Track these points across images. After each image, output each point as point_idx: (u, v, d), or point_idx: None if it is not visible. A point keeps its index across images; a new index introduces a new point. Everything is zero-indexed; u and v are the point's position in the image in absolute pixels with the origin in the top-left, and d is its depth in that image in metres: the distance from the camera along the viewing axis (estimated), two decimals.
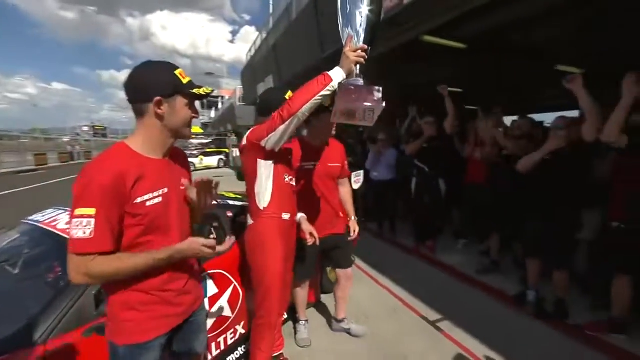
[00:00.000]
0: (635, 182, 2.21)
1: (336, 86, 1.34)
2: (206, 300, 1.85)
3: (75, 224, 0.96)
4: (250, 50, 16.33)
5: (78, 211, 0.96)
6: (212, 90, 1.24)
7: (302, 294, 2.41)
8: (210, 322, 1.87)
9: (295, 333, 2.49)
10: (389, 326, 2.64)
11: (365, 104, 1.32)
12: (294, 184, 1.84)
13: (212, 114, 35.28)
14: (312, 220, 2.05)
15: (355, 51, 1.32)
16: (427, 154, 4.04)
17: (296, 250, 1.96)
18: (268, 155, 1.65)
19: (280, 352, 2.14)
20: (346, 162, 2.30)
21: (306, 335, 2.45)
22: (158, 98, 1.09)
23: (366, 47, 1.33)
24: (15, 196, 9.26)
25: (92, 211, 0.96)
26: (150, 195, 1.09)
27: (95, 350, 1.33)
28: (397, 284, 3.29)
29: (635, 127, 2.17)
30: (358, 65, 1.35)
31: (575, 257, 2.78)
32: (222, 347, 1.99)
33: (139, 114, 1.12)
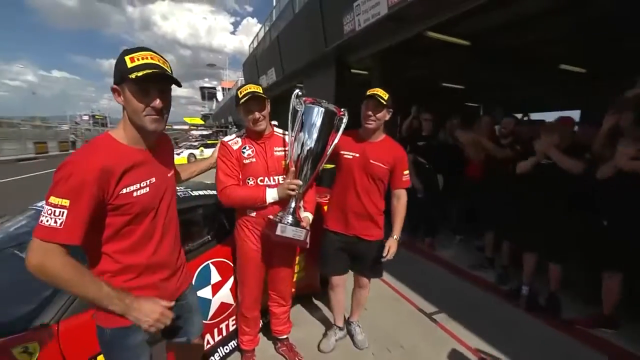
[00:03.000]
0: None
1: (267, 203, 1.72)
2: (209, 288, 1.93)
3: (48, 211, 0.94)
4: (252, 42, 16.24)
5: (52, 199, 0.94)
6: (154, 71, 1.02)
7: (335, 296, 2.26)
8: (213, 309, 1.94)
9: (323, 337, 2.36)
10: (387, 317, 2.72)
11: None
12: (265, 183, 1.75)
13: (214, 105, 35.11)
14: (339, 211, 2.06)
15: (289, 185, 1.66)
16: (428, 150, 4.09)
17: (320, 244, 2.14)
18: None
19: (285, 336, 2.19)
20: (404, 172, 1.99)
21: (332, 346, 2.28)
22: (113, 86, 1.07)
23: (300, 183, 1.68)
24: (18, 183, 9.31)
25: (66, 202, 0.94)
26: (137, 186, 1.10)
27: None
28: (395, 277, 3.37)
29: None
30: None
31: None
32: (224, 333, 2.06)
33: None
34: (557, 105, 10.05)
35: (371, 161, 1.94)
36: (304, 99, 1.72)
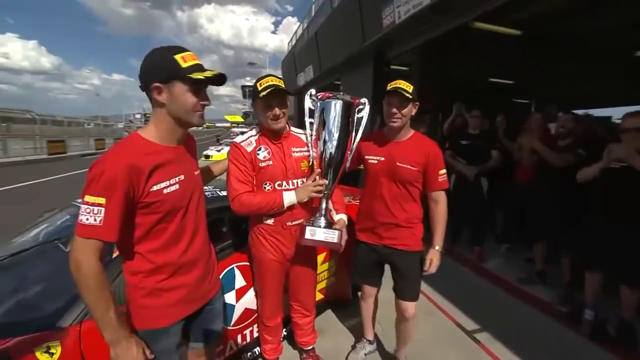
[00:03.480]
0: None
1: (284, 208, 1.60)
2: (233, 293, 1.86)
3: (86, 210, 0.97)
4: (291, 40, 16.35)
5: (88, 198, 0.98)
6: (217, 74, 1.10)
7: (366, 307, 2.09)
8: (237, 315, 1.87)
9: (352, 349, 2.22)
10: (421, 332, 2.48)
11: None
12: (283, 187, 1.63)
13: None
14: (368, 220, 1.87)
15: (315, 185, 1.58)
16: (469, 150, 3.71)
17: (352, 253, 2.01)
18: None
19: (311, 347, 2.07)
20: (439, 172, 1.72)
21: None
22: (155, 84, 1.07)
23: (326, 182, 1.59)
24: (83, 176, 10.22)
25: (102, 200, 0.97)
26: (167, 183, 1.11)
27: None
28: (431, 287, 3.11)
29: None
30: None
31: None
32: (248, 339, 1.99)
33: (151, 102, 1.12)
34: (621, 99, 8.87)
35: (398, 164, 1.71)
36: (319, 95, 1.59)
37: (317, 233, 1.55)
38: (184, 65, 1.06)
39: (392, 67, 7.24)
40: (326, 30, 9.17)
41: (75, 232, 0.99)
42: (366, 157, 1.81)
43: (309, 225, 1.57)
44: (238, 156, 1.61)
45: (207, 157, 11.73)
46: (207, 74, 1.09)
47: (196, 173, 1.30)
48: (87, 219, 0.97)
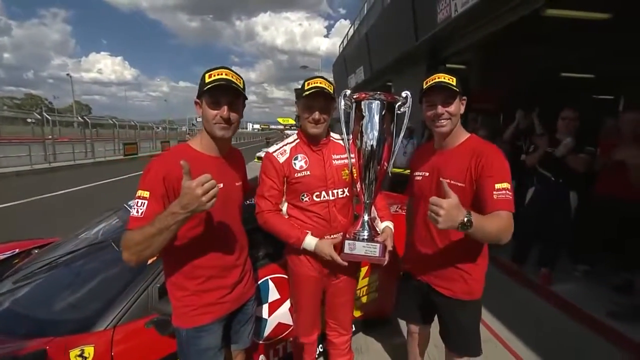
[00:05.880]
0: None
1: (300, 248, 1.49)
2: (267, 306, 1.78)
3: (135, 203, 1.09)
4: (342, 41, 16.29)
5: (138, 192, 1.09)
6: (224, 77, 1.16)
7: (410, 345, 1.85)
8: (269, 329, 1.79)
9: None
10: None
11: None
12: (322, 198, 1.51)
13: None
14: (411, 249, 1.61)
15: (330, 253, 1.46)
16: (554, 160, 3.08)
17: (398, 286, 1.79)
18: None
19: None
20: (495, 186, 1.24)
21: None
22: (195, 100, 1.23)
23: (345, 264, 1.45)
24: None
25: (146, 194, 1.09)
26: None
27: (154, 342, 1.36)
28: (490, 311, 2.74)
29: None
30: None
31: None
32: (280, 355, 1.90)
33: None
34: None
35: (441, 178, 1.30)
36: (354, 96, 1.42)
37: (357, 247, 1.42)
38: (207, 80, 1.16)
39: (447, 66, 6.74)
40: (377, 29, 8.91)
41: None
42: (414, 174, 1.58)
43: (348, 239, 1.43)
44: (267, 169, 1.53)
45: (259, 158, 12.17)
46: (215, 83, 1.14)
47: (237, 184, 1.37)
48: (133, 212, 1.08)
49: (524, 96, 3.87)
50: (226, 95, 1.18)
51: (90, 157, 15.03)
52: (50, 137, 13.24)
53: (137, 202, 1.08)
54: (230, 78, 1.17)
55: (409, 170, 1.69)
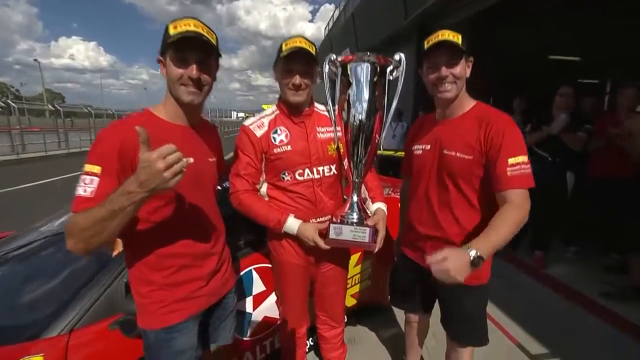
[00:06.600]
0: None
1: (282, 232, 1.34)
2: (251, 299, 1.61)
3: (82, 180, 0.89)
4: (327, 24, 15.86)
5: (86, 167, 0.90)
6: (192, 30, 0.95)
7: (409, 334, 1.72)
8: (253, 325, 1.63)
9: None
10: (476, 354, 2.10)
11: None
12: (306, 177, 1.35)
13: None
14: (410, 231, 1.42)
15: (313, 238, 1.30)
16: (550, 139, 3.01)
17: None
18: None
19: None
20: (509, 160, 1.08)
21: None
22: (158, 58, 1.02)
23: (327, 247, 1.29)
24: None
25: (97, 169, 0.89)
26: None
27: (119, 345, 1.18)
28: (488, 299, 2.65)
29: None
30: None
31: None
32: (268, 351, 1.74)
33: None
34: None
35: (445, 151, 1.21)
36: (340, 58, 1.22)
37: (344, 231, 1.25)
38: (172, 32, 0.95)
39: None
40: (364, 9, 8.60)
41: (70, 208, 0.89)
42: (412, 148, 1.39)
43: (334, 223, 1.26)
44: (243, 143, 1.34)
45: None
46: (182, 28, 0.94)
47: (211, 160, 1.16)
48: (79, 190, 0.88)
49: (511, 80, 3.75)
50: (195, 50, 0.98)
51: (64, 147, 14.27)
52: (17, 127, 12.43)
53: (85, 178, 0.88)
54: (200, 31, 0.97)
55: (400, 152, 1.52)
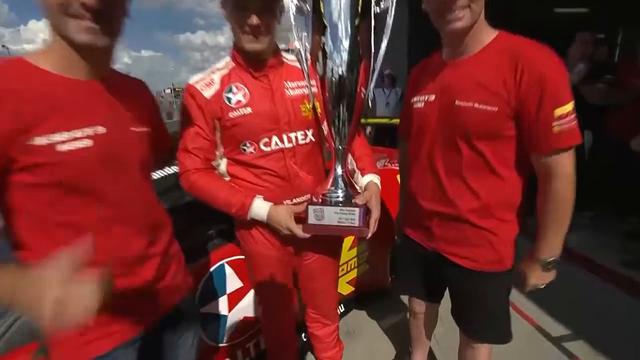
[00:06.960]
0: None
1: (247, 219, 1.07)
2: (225, 298, 1.36)
3: None
4: None
5: None
6: None
7: (414, 326, 1.48)
8: (232, 326, 1.39)
9: None
10: None
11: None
12: (274, 147, 1.05)
13: None
14: (413, 207, 1.13)
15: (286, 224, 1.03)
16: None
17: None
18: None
19: None
20: (555, 112, 0.82)
21: None
22: None
23: (306, 235, 1.01)
24: None
25: None
26: (67, 135, 0.68)
27: None
28: None
29: None
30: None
31: None
32: (252, 354, 1.51)
33: None
34: None
35: (457, 102, 0.91)
36: None
37: (327, 214, 0.96)
38: None
39: None
40: None
41: None
42: (412, 100, 1.07)
43: (314, 204, 0.97)
44: (189, 109, 1.03)
45: None
46: None
47: (136, 129, 0.84)
48: None
49: (520, 34, 3.34)
50: None
51: None
52: None
53: None
54: None
55: (396, 120, 1.21)
